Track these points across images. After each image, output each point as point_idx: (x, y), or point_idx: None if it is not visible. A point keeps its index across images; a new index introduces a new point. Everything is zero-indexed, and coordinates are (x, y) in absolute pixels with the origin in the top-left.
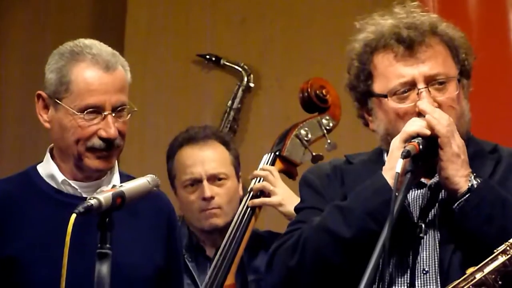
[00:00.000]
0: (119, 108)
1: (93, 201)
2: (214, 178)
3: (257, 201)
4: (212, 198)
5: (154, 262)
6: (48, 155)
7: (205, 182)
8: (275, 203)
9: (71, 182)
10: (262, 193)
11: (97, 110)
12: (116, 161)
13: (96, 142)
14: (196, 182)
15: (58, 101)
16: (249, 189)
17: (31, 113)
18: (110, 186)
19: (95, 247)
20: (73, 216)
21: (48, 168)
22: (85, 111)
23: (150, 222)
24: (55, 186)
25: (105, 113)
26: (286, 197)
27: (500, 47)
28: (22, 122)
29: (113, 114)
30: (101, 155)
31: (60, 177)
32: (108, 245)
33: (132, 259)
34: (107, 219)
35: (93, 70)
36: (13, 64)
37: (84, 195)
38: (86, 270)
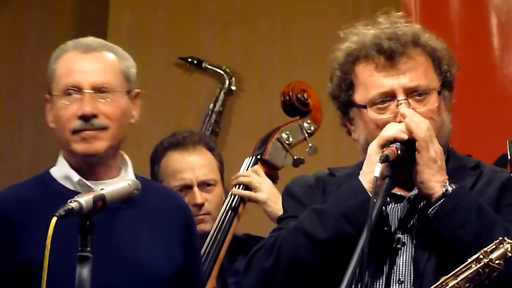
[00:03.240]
0: (103, 89)
1: (73, 204)
2: (203, 184)
3: (243, 192)
4: (202, 204)
5: (173, 262)
6: (60, 156)
7: (195, 189)
8: (260, 200)
9: (86, 182)
10: (247, 189)
11: (75, 90)
12: (129, 161)
13: (76, 124)
14: (186, 188)
15: (50, 95)
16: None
17: (13, 114)
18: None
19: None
20: (54, 219)
21: (62, 170)
22: (65, 93)
23: (168, 222)
24: (70, 187)
25: (83, 91)
26: (272, 196)
27: (483, 51)
28: (4, 121)
29: (93, 95)
30: (84, 136)
31: (75, 177)
32: (88, 248)
33: (152, 259)
34: (88, 222)
35: (72, 55)
36: None
37: None
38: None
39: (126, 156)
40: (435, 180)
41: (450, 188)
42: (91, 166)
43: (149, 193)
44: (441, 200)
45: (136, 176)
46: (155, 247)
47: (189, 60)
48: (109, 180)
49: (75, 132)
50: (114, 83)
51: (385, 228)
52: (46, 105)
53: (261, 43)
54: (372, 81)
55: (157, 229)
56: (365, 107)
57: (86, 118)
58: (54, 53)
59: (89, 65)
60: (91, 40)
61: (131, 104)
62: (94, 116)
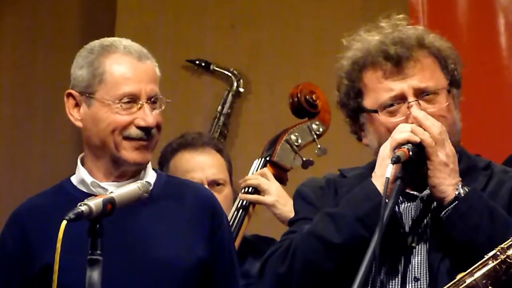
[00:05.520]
0: (153, 99)
1: (83, 208)
2: (213, 184)
3: (250, 197)
4: None
5: (194, 253)
6: (78, 163)
7: None
8: (268, 203)
9: (100, 183)
10: (256, 192)
11: (133, 99)
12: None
13: (132, 131)
14: None
15: (91, 96)
16: (241, 189)
17: (22, 121)
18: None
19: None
20: (64, 222)
21: (79, 175)
22: (121, 99)
23: (188, 215)
24: (85, 190)
25: (141, 102)
26: (280, 198)
27: (490, 51)
28: (13, 128)
29: (150, 105)
30: (138, 146)
31: (89, 179)
32: (99, 252)
33: (169, 251)
34: (98, 226)
35: (127, 60)
36: (3, 71)
37: None
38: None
39: None
40: (447, 183)
41: (462, 191)
42: (125, 170)
43: (166, 188)
44: (454, 204)
45: (159, 174)
46: (172, 240)
47: (197, 62)
48: (127, 181)
49: (128, 139)
50: (159, 92)
51: (399, 228)
52: (69, 101)
53: (269, 45)
54: (381, 87)
55: (174, 222)
56: (376, 111)
57: (147, 129)
58: (94, 51)
59: (145, 74)
60: (135, 45)
61: None
62: (153, 126)
